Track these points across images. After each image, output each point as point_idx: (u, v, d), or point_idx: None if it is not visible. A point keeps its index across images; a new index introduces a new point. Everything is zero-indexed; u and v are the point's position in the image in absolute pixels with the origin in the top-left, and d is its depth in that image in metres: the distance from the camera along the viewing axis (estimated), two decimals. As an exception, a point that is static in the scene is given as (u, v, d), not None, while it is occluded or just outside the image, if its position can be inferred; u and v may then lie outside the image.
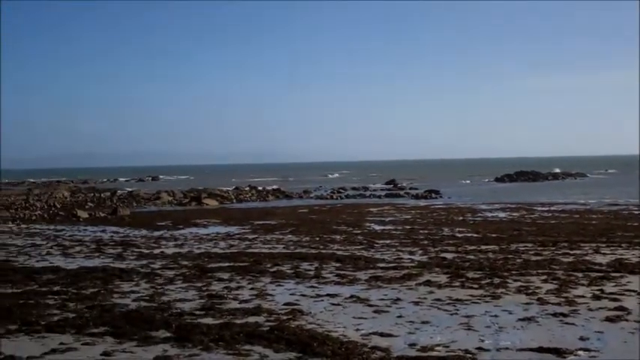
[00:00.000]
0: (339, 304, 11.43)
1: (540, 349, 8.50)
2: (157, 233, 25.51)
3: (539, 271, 14.51)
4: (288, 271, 15.13)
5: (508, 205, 38.20)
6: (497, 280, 13.37)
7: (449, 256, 17.41)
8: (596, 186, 62.62)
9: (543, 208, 35.53)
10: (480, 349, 8.57)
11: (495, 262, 15.92)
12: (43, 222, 32.53)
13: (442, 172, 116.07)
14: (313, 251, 18.84)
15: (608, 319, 10.09)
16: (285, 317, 10.38)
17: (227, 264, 16.31)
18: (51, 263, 17.18)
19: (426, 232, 24.07)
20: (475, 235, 22.53)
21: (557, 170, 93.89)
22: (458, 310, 10.92)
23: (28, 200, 49.96)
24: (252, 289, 12.97)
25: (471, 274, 14.15)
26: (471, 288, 12.72)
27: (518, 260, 16.28)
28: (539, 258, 16.64)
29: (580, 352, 8.42)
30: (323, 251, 18.80)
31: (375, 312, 10.81)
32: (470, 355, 8.30)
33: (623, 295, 11.90)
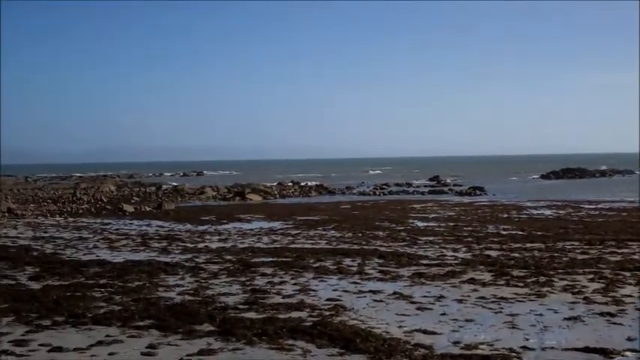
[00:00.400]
0: (381, 301, 11.40)
1: (586, 349, 8.37)
2: (201, 228, 25.75)
3: (586, 269, 14.29)
4: (330, 266, 15.14)
5: (554, 203, 37.66)
6: (542, 279, 13.18)
7: (493, 253, 17.24)
8: (645, 184, 61.28)
9: (590, 206, 34.94)
10: (524, 347, 8.47)
11: (541, 261, 15.71)
12: (89, 215, 33.07)
13: (486, 168, 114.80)
14: (356, 247, 18.83)
15: (657, 320, 9.89)
16: (327, 313, 10.39)
17: (270, 259, 16.39)
18: (97, 256, 17.47)
19: (470, 229, 23.87)
20: (520, 233, 22.26)
21: (605, 167, 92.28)
22: (502, 308, 10.80)
23: (76, 194, 50.87)
24: (295, 284, 13.02)
25: (515, 272, 13.99)
26: (516, 286, 12.58)
27: (565, 259, 16.05)
28: (585, 256, 16.39)
29: (627, 353, 8.27)
30: (366, 247, 18.77)
31: (418, 309, 10.76)
32: (514, 354, 8.20)
33: (673, 295, 11.65)
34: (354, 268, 14.85)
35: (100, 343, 8.72)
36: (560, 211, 31.85)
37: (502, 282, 13.01)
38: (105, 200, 45.12)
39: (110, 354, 8.27)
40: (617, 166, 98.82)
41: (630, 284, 12.65)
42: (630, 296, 11.55)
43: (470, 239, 20.48)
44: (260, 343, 8.67)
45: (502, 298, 11.55)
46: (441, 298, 11.60)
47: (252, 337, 8.87)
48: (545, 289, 12.26)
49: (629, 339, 8.86)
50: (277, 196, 50.78)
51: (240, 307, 10.87)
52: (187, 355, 8.19)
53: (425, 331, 9.26)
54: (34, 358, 8.19)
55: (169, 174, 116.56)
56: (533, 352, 8.32)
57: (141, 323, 9.73)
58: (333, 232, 23.47)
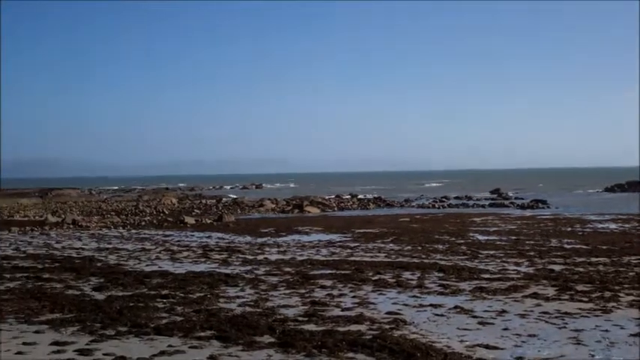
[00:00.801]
0: (442, 315, 11.28)
1: (656, 367, 8.12)
2: (260, 240, 25.94)
3: (654, 285, 13.88)
4: (390, 279, 15.06)
5: (619, 216, 36.76)
6: (608, 294, 12.85)
7: (557, 267, 16.89)
8: None
9: (657, 220, 33.96)
10: (590, 364, 8.26)
11: (606, 275, 15.33)
12: (152, 227, 33.69)
13: (549, 181, 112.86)
14: (415, 260, 18.69)
15: None
16: (387, 326, 10.32)
17: (329, 271, 16.40)
18: (160, 267, 17.75)
19: (532, 242, 23.45)
20: (584, 247, 21.77)
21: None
22: (566, 323, 10.56)
23: (138, 206, 51.91)
24: (354, 297, 12.98)
25: (580, 287, 13.68)
26: (580, 301, 12.29)
27: (631, 273, 15.61)
28: (653, 271, 15.92)
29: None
30: (425, 260, 18.62)
31: (479, 323, 10.60)
32: (580, 371, 8.01)
33: None
34: (414, 282, 14.74)
35: (162, 353, 8.84)
36: (626, 225, 31.05)
37: (566, 297, 12.73)
38: (166, 212, 45.93)
39: (172, 364, 8.37)
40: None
41: (701, 300, 12.23)
42: (701, 313, 11.17)
43: (532, 253, 20.12)
44: (320, 355, 8.67)
45: (566, 313, 11.30)
46: (503, 312, 11.42)
47: (311, 349, 8.87)
48: (610, 304, 11.95)
49: (701, 357, 8.56)
50: (335, 208, 50.87)
51: (300, 319, 10.89)
52: (248, 367, 8.23)
53: (487, 346, 9.11)
54: (98, 367, 8.34)
55: (229, 187, 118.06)
56: (600, 370, 8.11)
57: (202, 334, 9.83)
58: (391, 245, 23.36)
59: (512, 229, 29.92)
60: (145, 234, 29.52)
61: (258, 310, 11.70)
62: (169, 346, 9.19)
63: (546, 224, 32.29)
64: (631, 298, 12.50)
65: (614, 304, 11.99)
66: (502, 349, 9.03)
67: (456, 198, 62.72)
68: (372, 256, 19.88)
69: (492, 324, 10.57)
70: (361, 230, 29.77)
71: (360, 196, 66.18)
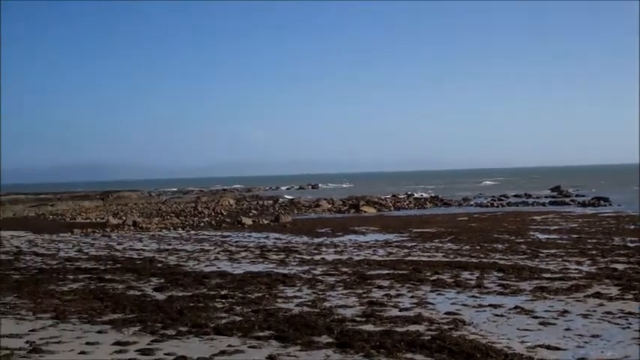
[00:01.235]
0: (502, 315, 11.13)
1: None
2: (317, 240, 26.01)
3: None
4: (448, 279, 14.93)
5: (685, 214, 35.70)
6: (674, 294, 12.50)
7: (620, 266, 16.50)
8: None
9: None
10: (657, 366, 8.05)
11: (672, 274, 14.91)
12: (210, 228, 34.12)
13: (610, 178, 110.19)
14: (474, 260, 18.48)
15: None
16: (446, 327, 10.24)
17: (386, 271, 16.34)
18: (218, 268, 17.96)
19: (594, 241, 22.95)
20: (649, 245, 21.21)
21: None
22: (631, 324, 10.31)
23: (197, 208, 52.59)
24: (412, 297, 12.92)
25: (645, 287, 13.34)
26: (646, 301, 11.99)
27: (699, 272, 15.15)
28: None
29: None
30: (484, 260, 18.40)
31: (540, 324, 10.42)
32: (646, 373, 7.81)
33: None
34: (473, 282, 14.58)
35: (222, 352, 8.93)
36: (693, 223, 30.13)
37: (630, 296, 12.42)
38: (224, 213, 46.44)
39: (232, 364, 8.45)
40: None
41: None
42: None
43: (594, 252, 19.69)
44: (378, 356, 8.65)
45: (630, 313, 11.03)
46: (564, 312, 11.21)
47: (370, 349, 8.86)
48: (677, 304, 11.63)
49: None
50: (392, 208, 50.65)
51: (358, 319, 10.88)
52: (307, 367, 8.26)
53: (549, 347, 8.96)
54: (160, 367, 8.48)
55: (285, 187, 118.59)
56: (667, 371, 7.90)
57: (261, 334, 9.91)
58: (449, 244, 23.15)
59: (573, 227, 29.33)
60: (203, 235, 29.90)
61: (316, 310, 11.74)
62: (229, 345, 9.29)
63: (608, 222, 31.56)
64: (699, 297, 12.14)
65: (681, 304, 11.66)
66: (564, 349, 8.87)
67: (515, 196, 61.70)
68: (429, 256, 19.74)
69: (554, 324, 10.38)
70: (418, 230, 29.59)
71: (416, 196, 65.78)
